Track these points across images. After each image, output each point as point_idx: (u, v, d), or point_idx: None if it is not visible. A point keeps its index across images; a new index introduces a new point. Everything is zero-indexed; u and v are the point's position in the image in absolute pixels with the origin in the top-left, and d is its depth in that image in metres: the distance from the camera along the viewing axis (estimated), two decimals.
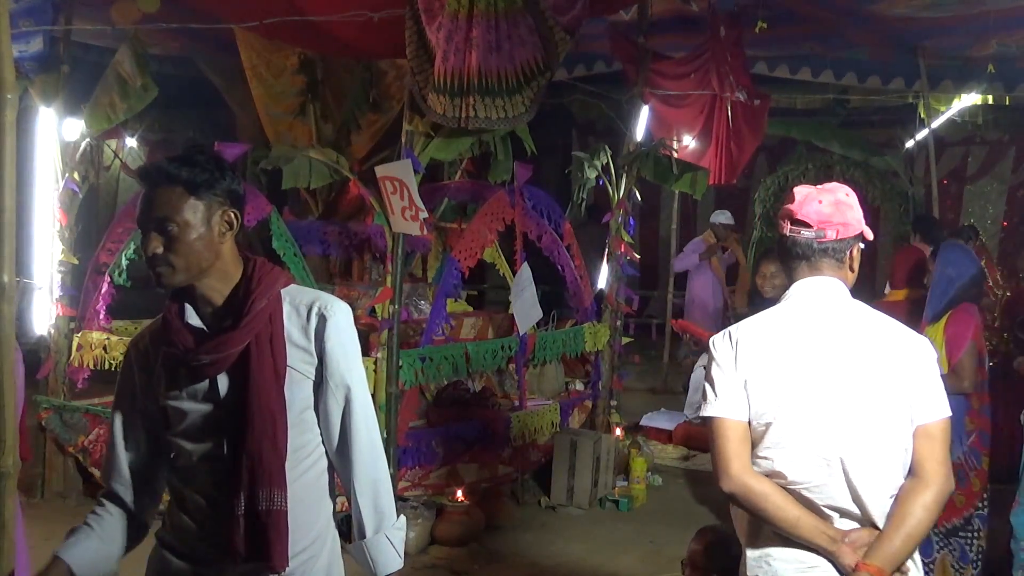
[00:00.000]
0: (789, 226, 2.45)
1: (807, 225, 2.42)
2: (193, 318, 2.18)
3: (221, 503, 2.14)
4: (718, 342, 2.45)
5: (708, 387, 2.43)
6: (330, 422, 2.24)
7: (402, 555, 2.30)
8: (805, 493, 2.30)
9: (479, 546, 5.65)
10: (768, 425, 2.33)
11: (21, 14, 6.06)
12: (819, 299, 2.42)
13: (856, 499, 2.29)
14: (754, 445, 2.36)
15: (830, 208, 2.41)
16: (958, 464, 4.55)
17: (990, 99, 9.53)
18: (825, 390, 2.32)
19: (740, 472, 2.30)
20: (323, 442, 2.27)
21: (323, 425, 2.25)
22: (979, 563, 4.71)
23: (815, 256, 2.43)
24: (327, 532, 2.31)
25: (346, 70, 8.01)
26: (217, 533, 2.14)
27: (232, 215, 2.17)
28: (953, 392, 4.52)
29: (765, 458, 2.34)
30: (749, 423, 2.36)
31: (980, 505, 4.74)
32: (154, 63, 6.49)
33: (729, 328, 2.48)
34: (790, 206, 2.46)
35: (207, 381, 2.16)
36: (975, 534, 4.73)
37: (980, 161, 11.98)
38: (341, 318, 2.22)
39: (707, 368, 2.46)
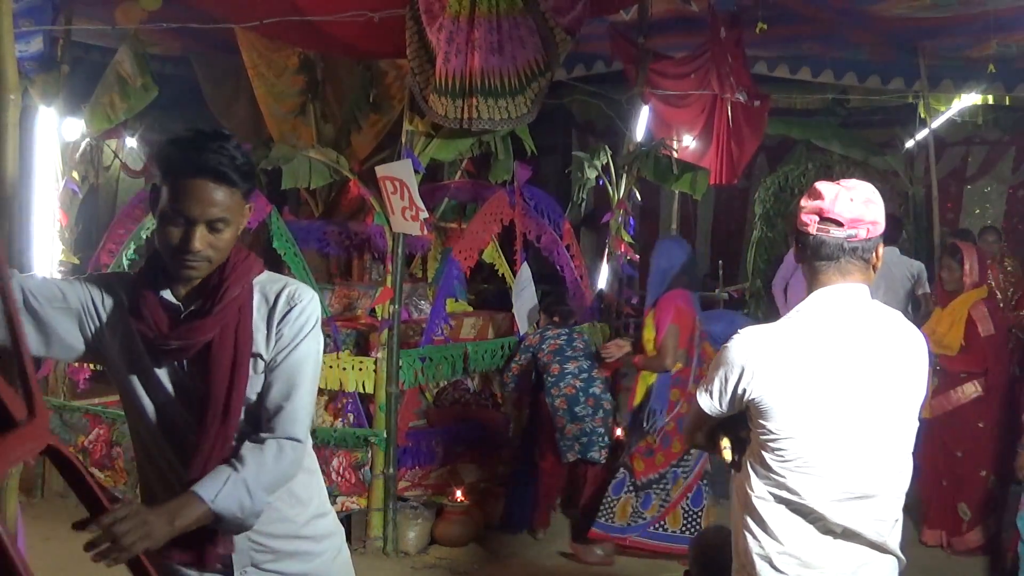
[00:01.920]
0: (817, 225, 2.30)
1: (838, 224, 2.28)
2: (167, 294, 2.16)
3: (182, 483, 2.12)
4: (735, 349, 2.34)
5: (712, 385, 2.38)
6: (263, 391, 2.18)
7: (243, 516, 2.05)
8: (820, 510, 2.28)
9: (479, 546, 5.65)
10: (787, 443, 2.28)
11: (21, 14, 6.05)
12: (842, 310, 2.31)
13: (873, 525, 2.29)
14: (768, 453, 2.31)
15: (861, 206, 2.28)
16: (665, 431, 5.38)
17: (990, 99, 9.52)
18: (851, 417, 2.27)
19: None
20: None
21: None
22: (663, 507, 5.49)
23: (844, 257, 2.30)
24: (319, 528, 2.28)
25: (346, 70, 8.01)
26: None
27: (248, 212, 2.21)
28: (657, 370, 5.28)
29: (783, 477, 2.29)
30: (760, 437, 2.33)
31: (676, 463, 5.46)
32: (154, 63, 6.49)
33: (749, 336, 2.35)
34: (818, 203, 2.30)
35: (175, 362, 2.16)
36: (666, 486, 5.46)
37: (980, 161, 11.96)
38: (307, 304, 2.20)
39: (716, 366, 2.38)
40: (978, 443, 5.65)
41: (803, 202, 2.35)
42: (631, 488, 5.48)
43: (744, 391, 2.30)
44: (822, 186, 2.34)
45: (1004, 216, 11.54)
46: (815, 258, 2.32)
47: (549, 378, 5.76)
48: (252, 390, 2.15)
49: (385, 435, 5.43)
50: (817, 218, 2.30)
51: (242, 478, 2.04)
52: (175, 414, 2.16)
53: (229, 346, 2.11)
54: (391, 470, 5.46)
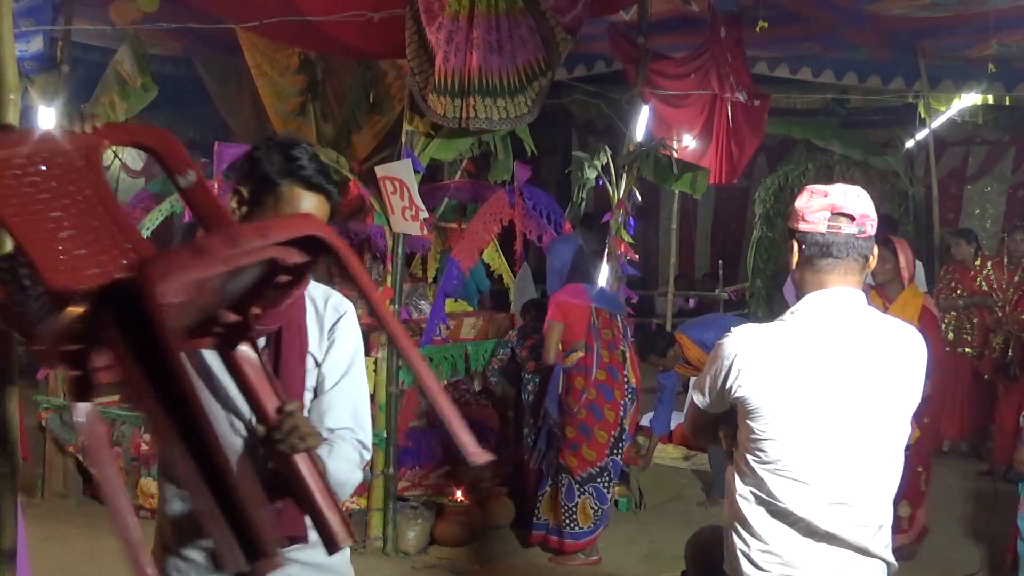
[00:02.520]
0: (828, 222, 2.26)
1: (850, 218, 2.26)
2: None
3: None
4: (727, 345, 2.34)
5: (704, 381, 2.41)
6: (320, 400, 2.28)
7: (343, 482, 2.21)
8: (799, 513, 2.28)
9: (479, 546, 5.65)
10: (768, 445, 2.28)
11: (21, 14, 6.07)
12: (837, 314, 2.29)
13: (855, 530, 2.29)
14: (750, 455, 2.32)
15: (866, 202, 2.28)
16: (582, 421, 5.39)
17: (990, 99, 9.52)
18: (835, 424, 2.26)
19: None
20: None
21: (314, 404, 2.29)
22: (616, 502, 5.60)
23: (851, 255, 2.28)
24: None
25: (346, 70, 8.01)
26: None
27: None
28: (544, 364, 5.39)
29: (763, 480, 2.29)
30: (745, 437, 2.34)
31: (611, 453, 5.44)
32: (154, 63, 6.50)
33: (740, 338, 2.34)
34: (828, 200, 2.28)
35: None
36: (610, 479, 5.47)
37: (980, 161, 11.94)
38: (351, 313, 2.35)
39: (709, 363, 2.39)
40: (918, 440, 5.67)
41: (807, 202, 2.31)
42: (580, 489, 5.43)
43: (731, 387, 2.31)
44: (822, 187, 2.33)
45: (1004, 216, 11.53)
46: (822, 256, 2.29)
47: (526, 375, 5.78)
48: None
49: (385, 435, 5.43)
50: (828, 214, 2.27)
51: (337, 453, 2.18)
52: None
53: (296, 336, 2.21)
54: (391, 470, 5.46)
